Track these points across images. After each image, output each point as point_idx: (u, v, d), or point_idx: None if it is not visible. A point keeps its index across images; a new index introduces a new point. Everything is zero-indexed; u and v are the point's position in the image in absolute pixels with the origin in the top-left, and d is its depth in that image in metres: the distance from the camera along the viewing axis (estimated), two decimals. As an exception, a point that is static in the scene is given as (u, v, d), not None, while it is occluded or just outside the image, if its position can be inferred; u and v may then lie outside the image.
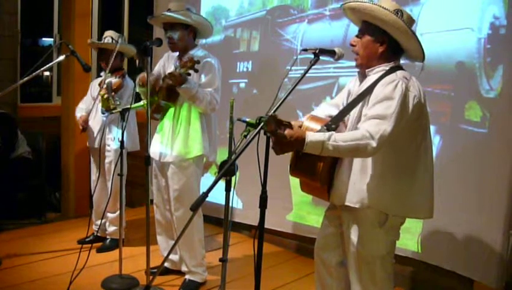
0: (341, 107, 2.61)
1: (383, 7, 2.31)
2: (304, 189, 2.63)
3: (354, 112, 2.44)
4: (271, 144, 2.25)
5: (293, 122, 2.39)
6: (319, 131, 2.35)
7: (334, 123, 2.41)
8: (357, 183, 2.40)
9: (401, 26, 2.31)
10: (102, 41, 4.31)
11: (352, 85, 2.60)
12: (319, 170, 2.39)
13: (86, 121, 4.33)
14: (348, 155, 2.37)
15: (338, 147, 2.21)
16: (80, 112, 4.46)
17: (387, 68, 2.39)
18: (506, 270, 3.22)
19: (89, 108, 4.40)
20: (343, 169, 2.47)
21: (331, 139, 2.21)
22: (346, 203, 2.44)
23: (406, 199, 2.40)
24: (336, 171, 2.50)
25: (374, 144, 2.20)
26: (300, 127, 2.44)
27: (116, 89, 4.13)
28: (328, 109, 2.70)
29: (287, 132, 2.24)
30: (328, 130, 2.35)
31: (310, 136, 2.22)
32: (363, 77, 2.50)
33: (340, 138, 2.22)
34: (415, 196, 2.41)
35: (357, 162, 2.41)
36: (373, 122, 2.24)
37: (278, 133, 2.22)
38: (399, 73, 2.35)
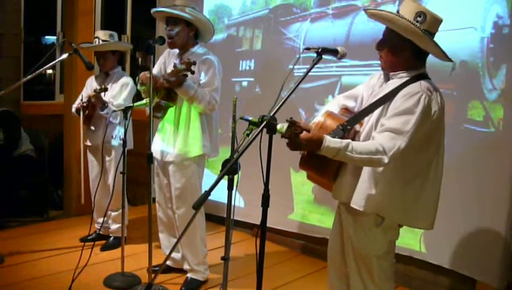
0: (359, 100, 2.63)
1: (400, 16, 2.28)
2: (311, 179, 2.65)
3: (371, 117, 2.43)
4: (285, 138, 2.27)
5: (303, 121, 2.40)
6: (334, 131, 2.38)
7: (350, 124, 2.42)
8: (365, 187, 2.40)
9: (419, 33, 2.27)
10: (94, 44, 4.31)
11: (375, 82, 2.57)
12: (329, 169, 2.44)
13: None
14: (358, 165, 2.39)
15: (352, 157, 2.24)
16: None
17: (412, 75, 2.36)
18: (509, 270, 3.22)
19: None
20: (348, 168, 2.48)
21: (348, 149, 2.23)
22: (352, 205, 2.44)
23: (411, 210, 2.40)
24: (342, 166, 2.50)
25: (386, 159, 2.22)
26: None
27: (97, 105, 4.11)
28: (343, 101, 2.71)
29: (304, 135, 2.25)
30: (344, 130, 2.38)
31: (328, 142, 2.24)
32: (387, 77, 2.48)
33: (355, 149, 2.23)
34: (420, 207, 2.40)
35: (366, 168, 2.41)
36: (388, 136, 2.24)
37: (297, 139, 2.25)
38: (423, 84, 2.31)
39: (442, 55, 2.34)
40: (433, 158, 2.40)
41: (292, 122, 2.23)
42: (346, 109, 2.68)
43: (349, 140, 2.28)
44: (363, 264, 2.50)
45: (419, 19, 2.28)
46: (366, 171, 2.40)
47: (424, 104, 2.25)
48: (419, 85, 2.30)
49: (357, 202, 2.42)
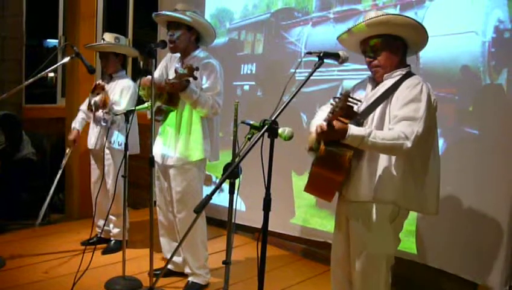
0: None
1: (398, 14, 2.50)
2: (309, 188, 2.63)
3: (375, 113, 2.51)
4: (319, 130, 2.37)
5: None
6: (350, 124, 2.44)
7: (362, 118, 2.51)
8: (384, 179, 2.48)
9: (415, 24, 2.47)
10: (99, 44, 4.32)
11: (363, 89, 2.69)
12: (345, 165, 2.46)
13: (75, 138, 4.41)
14: (382, 152, 2.45)
15: (376, 144, 2.32)
16: (77, 120, 4.52)
17: (404, 72, 2.52)
18: (510, 274, 3.21)
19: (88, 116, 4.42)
20: (363, 165, 2.52)
21: (371, 135, 2.31)
22: (373, 200, 2.50)
23: (420, 196, 2.51)
24: (354, 167, 2.54)
25: (409, 144, 2.31)
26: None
27: (104, 106, 4.12)
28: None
29: (334, 122, 2.31)
30: (357, 124, 2.44)
31: (352, 130, 2.31)
32: (376, 82, 2.59)
33: (379, 136, 2.32)
34: (426, 193, 2.51)
35: (382, 160, 2.49)
36: (405, 124, 2.34)
37: (349, 110, 2.33)
38: (418, 77, 2.49)
39: (426, 41, 2.55)
40: (432, 146, 2.51)
41: (347, 93, 2.28)
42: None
43: (372, 128, 2.39)
44: (372, 265, 2.53)
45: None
46: (382, 164, 2.48)
47: (427, 92, 2.41)
48: (417, 78, 2.48)
49: (378, 195, 2.49)
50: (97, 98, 4.16)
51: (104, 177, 4.31)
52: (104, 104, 4.11)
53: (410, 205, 2.53)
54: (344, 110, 2.28)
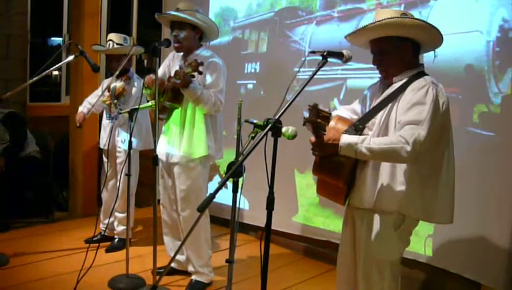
0: (359, 113, 2.66)
1: (404, 17, 2.38)
2: (320, 191, 2.63)
3: (381, 114, 2.46)
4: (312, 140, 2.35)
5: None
6: (347, 130, 2.40)
7: (361, 123, 2.46)
8: (387, 188, 2.43)
9: (426, 26, 2.39)
10: (107, 47, 4.32)
11: (372, 93, 2.64)
12: (343, 171, 2.44)
13: (82, 119, 4.34)
14: (382, 159, 2.39)
15: (372, 150, 2.26)
16: (85, 106, 4.49)
17: (414, 73, 2.44)
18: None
19: (96, 107, 4.40)
20: (368, 172, 2.49)
21: (365, 141, 2.27)
22: (375, 207, 2.46)
23: (429, 205, 2.43)
24: (359, 173, 2.52)
25: (408, 148, 2.22)
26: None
27: (119, 95, 4.14)
28: (345, 112, 2.71)
29: (325, 136, 2.30)
30: (356, 130, 2.41)
31: (344, 138, 2.29)
32: (387, 85, 2.53)
33: (375, 141, 2.27)
34: (438, 201, 2.43)
35: (385, 167, 2.44)
36: (407, 128, 2.27)
37: (319, 132, 2.31)
38: (427, 78, 2.40)
39: (440, 39, 2.45)
40: (444, 152, 2.43)
41: (315, 105, 2.26)
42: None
43: (367, 135, 2.34)
44: (376, 270, 2.50)
45: (408, 16, 2.41)
46: (385, 172, 2.43)
47: (433, 94, 2.32)
48: (424, 80, 2.38)
49: (381, 203, 2.45)
50: (118, 84, 4.18)
51: (106, 175, 4.32)
52: (119, 94, 4.12)
53: (417, 214, 2.45)
54: (318, 123, 2.27)
